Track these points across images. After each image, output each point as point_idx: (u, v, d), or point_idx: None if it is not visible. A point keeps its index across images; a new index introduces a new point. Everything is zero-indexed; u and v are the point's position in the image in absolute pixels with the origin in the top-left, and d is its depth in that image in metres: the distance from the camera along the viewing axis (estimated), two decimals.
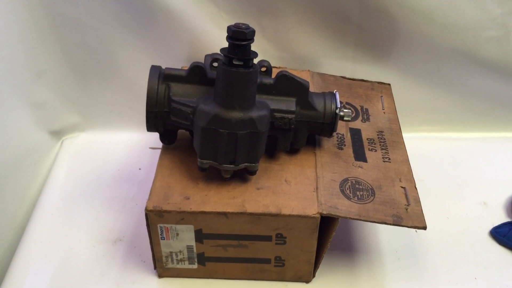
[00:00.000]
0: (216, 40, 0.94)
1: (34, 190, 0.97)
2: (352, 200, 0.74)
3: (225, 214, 0.71)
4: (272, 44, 0.99)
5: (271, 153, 0.79)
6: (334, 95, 0.78)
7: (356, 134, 0.85)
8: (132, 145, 1.04)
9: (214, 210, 0.71)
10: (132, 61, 0.99)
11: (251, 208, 0.72)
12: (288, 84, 0.75)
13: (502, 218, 0.91)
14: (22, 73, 0.94)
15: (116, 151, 1.03)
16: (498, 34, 0.96)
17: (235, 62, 0.68)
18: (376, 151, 0.83)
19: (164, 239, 0.74)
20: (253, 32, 0.68)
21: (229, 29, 0.67)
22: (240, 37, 0.67)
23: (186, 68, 0.75)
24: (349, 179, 0.77)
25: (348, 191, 0.75)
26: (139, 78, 0.96)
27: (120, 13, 0.94)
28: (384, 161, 0.81)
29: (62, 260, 0.83)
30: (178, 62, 0.97)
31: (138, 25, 0.95)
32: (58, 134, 1.05)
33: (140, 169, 0.99)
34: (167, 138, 0.79)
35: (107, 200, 0.93)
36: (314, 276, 0.80)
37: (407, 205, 0.74)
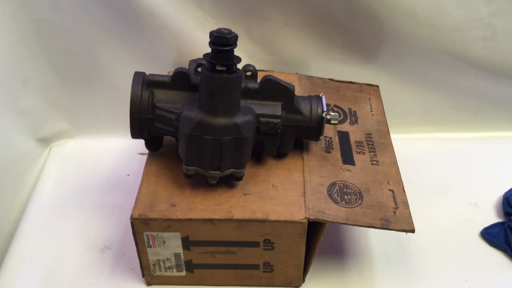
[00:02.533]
0: (203, 45, 0.93)
1: (21, 198, 0.96)
2: (339, 204, 0.73)
3: (211, 221, 0.71)
4: (259, 48, 0.98)
5: (258, 158, 0.79)
6: (320, 98, 0.77)
7: (344, 137, 0.85)
8: (121, 151, 1.03)
9: (201, 217, 0.71)
10: (119, 67, 0.98)
11: (238, 214, 0.71)
12: (273, 89, 0.74)
13: (493, 219, 0.91)
14: (8, 80, 0.94)
15: (104, 158, 1.02)
16: (486, 34, 0.96)
17: (218, 68, 0.67)
18: (364, 154, 0.82)
19: (151, 247, 0.74)
20: (235, 37, 0.67)
21: (212, 34, 0.67)
22: (222, 42, 0.66)
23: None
24: (337, 183, 0.77)
25: (335, 195, 0.74)
26: (126, 83, 0.94)
27: (106, 19, 0.93)
28: (372, 164, 0.80)
29: (50, 269, 0.82)
30: (165, 67, 0.97)
31: (123, 31, 0.95)
32: (45, 141, 1.05)
33: (128, 175, 0.98)
34: (153, 145, 0.78)
35: (96, 208, 0.92)
36: (303, 281, 0.80)
37: (395, 208, 0.74)
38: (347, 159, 0.81)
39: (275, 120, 0.74)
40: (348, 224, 0.71)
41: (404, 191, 0.77)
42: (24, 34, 0.93)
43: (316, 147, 0.82)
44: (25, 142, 1.00)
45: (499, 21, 0.95)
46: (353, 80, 0.96)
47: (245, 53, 0.97)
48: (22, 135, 0.99)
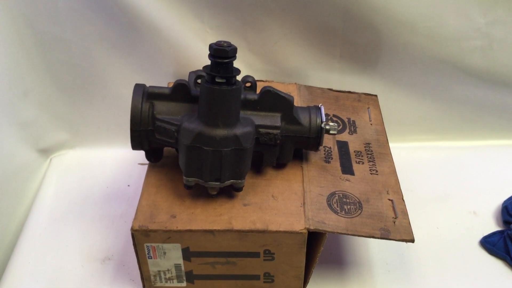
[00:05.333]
0: (202, 56, 0.93)
1: (22, 209, 0.96)
2: (339, 214, 0.74)
3: (212, 231, 0.71)
4: (258, 58, 0.99)
5: (258, 169, 0.79)
6: (319, 109, 0.78)
7: (343, 146, 0.85)
8: (121, 161, 1.03)
9: (201, 228, 0.71)
10: (119, 78, 0.99)
11: (238, 225, 0.71)
12: (273, 100, 0.75)
13: (492, 227, 0.91)
14: (9, 92, 0.94)
15: (105, 168, 1.03)
16: (483, 43, 0.96)
17: (217, 80, 0.68)
18: (363, 163, 0.82)
19: (151, 258, 0.74)
20: (234, 50, 0.68)
21: (211, 47, 0.67)
22: (221, 55, 0.67)
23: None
24: (337, 193, 0.77)
25: (335, 205, 0.75)
26: (125, 94, 0.95)
27: (106, 31, 0.94)
28: (371, 174, 0.81)
29: (51, 281, 0.82)
30: (165, 78, 0.97)
31: (123, 42, 0.95)
32: (46, 152, 1.05)
33: (129, 185, 0.99)
34: (153, 156, 0.79)
35: (96, 218, 0.92)
36: None
37: (395, 218, 0.74)
38: (347, 169, 0.81)
39: (275, 131, 0.74)
40: (348, 234, 0.71)
41: (403, 200, 0.77)
42: (25, 46, 0.93)
43: (316, 157, 0.82)
44: (26, 153, 1.00)
45: (495, 30, 0.95)
46: (351, 90, 0.97)
47: (244, 64, 0.97)
48: (23, 146, 0.99)
